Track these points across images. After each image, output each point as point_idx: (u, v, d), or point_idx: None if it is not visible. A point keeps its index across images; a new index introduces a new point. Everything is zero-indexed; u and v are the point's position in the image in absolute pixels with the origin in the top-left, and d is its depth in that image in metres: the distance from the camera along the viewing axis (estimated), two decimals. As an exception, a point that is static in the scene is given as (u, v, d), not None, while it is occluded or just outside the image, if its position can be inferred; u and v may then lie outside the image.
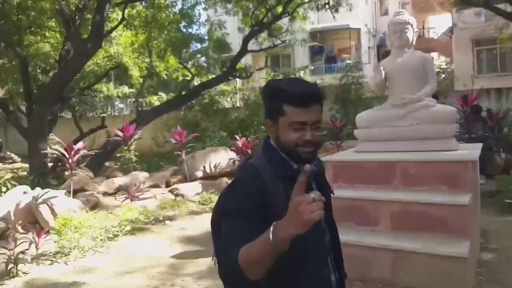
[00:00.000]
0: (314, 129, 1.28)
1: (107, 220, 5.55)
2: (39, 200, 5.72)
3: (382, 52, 23.44)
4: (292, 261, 1.23)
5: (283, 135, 1.30)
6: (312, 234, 1.08)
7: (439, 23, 29.33)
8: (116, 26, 11.79)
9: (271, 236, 1.05)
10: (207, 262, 4.47)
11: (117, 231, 5.50)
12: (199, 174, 8.38)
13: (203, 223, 6.10)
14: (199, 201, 7.23)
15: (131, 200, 6.88)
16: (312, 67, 18.78)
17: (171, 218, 6.48)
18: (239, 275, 1.11)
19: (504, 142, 7.50)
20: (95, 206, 6.76)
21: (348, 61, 19.21)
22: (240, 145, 8.22)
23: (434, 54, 23.40)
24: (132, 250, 5.08)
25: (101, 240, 5.22)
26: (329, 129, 8.48)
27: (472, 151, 4.21)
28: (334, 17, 13.99)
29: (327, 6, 13.81)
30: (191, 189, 7.74)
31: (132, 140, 7.68)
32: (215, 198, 7.01)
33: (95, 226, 5.29)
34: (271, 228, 1.06)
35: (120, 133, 7.64)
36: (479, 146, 4.70)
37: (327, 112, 12.50)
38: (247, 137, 10.09)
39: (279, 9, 13.36)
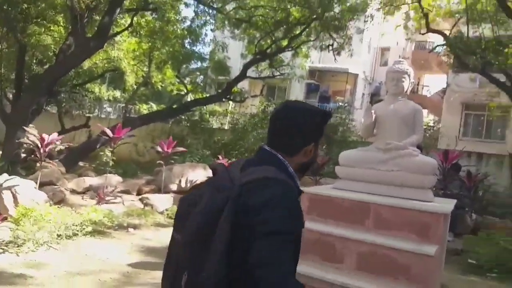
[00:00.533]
0: None
1: (69, 217, 5.34)
2: (3, 186, 5.50)
3: (375, 100, 23.92)
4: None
5: (317, 150, 1.41)
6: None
7: (433, 82, 30.24)
8: (122, 31, 11.89)
9: None
10: (163, 275, 4.31)
11: (77, 230, 5.29)
12: (173, 187, 8.23)
13: (167, 237, 5.94)
14: (167, 214, 7.05)
15: (98, 202, 6.67)
16: (306, 104, 18.96)
17: (135, 227, 6.29)
18: None
19: (477, 204, 7.59)
20: (60, 201, 6.55)
21: (340, 103, 19.54)
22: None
23: (424, 112, 23.96)
24: (89, 252, 4.88)
25: (59, 236, 5.01)
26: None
27: (446, 205, 4.21)
28: (335, 59, 14.34)
29: (330, 48, 14.17)
30: (162, 201, 7.56)
31: (119, 143, 7.56)
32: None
33: (56, 221, 5.09)
34: None
35: (110, 133, 7.49)
36: (453, 202, 4.71)
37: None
38: (229, 159, 10.01)
39: (284, 42, 13.65)
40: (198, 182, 8.13)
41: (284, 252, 1.13)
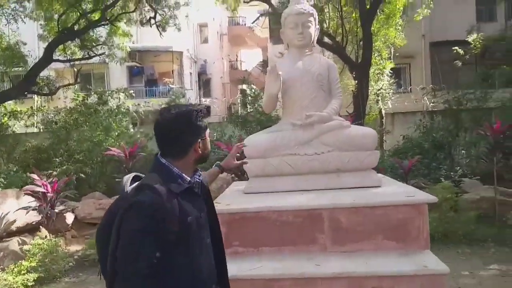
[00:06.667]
0: None
1: None
2: None
3: (203, 79, 23.02)
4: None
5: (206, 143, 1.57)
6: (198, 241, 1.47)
7: (249, 57, 31.03)
8: None
9: None
10: None
11: None
12: (-30, 234, 5.25)
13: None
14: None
15: None
16: (132, 90, 16.49)
17: None
18: None
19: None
20: None
21: (171, 86, 17.72)
22: (41, 187, 5.53)
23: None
24: None
25: None
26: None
27: (421, 192, 3.12)
28: (161, 34, 12.64)
29: (152, 21, 12.22)
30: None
31: None
32: (4, 278, 4.24)
33: None
34: None
35: None
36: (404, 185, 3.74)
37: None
38: (49, 171, 7.29)
39: (96, 16, 11.05)
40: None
41: (137, 245, 1.33)
